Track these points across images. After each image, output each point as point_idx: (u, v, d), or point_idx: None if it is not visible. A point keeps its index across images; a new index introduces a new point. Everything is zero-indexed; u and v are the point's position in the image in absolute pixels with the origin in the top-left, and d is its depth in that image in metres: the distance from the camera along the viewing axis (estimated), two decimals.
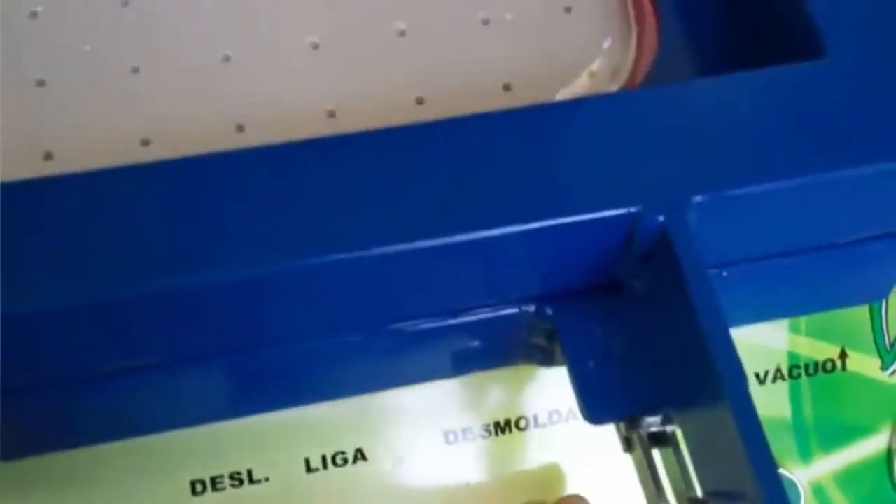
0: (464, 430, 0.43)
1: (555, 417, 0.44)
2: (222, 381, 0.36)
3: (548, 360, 0.39)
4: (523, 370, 0.43)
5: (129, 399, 0.35)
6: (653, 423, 0.37)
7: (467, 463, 0.43)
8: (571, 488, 0.44)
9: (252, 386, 0.37)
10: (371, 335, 0.36)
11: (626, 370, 0.36)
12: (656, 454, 0.38)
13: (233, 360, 0.35)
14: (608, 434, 0.43)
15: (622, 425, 0.38)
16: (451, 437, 0.43)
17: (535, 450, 0.44)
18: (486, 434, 0.43)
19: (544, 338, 0.38)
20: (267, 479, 0.42)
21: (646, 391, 0.35)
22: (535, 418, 0.43)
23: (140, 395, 0.35)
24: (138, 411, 0.36)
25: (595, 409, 0.35)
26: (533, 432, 0.43)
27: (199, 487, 0.41)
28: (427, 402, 0.42)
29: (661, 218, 0.32)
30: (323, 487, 0.42)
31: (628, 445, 0.38)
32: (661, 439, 0.38)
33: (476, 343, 0.38)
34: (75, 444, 0.38)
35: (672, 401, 0.35)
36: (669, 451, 0.37)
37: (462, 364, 0.39)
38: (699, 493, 0.35)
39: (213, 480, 0.41)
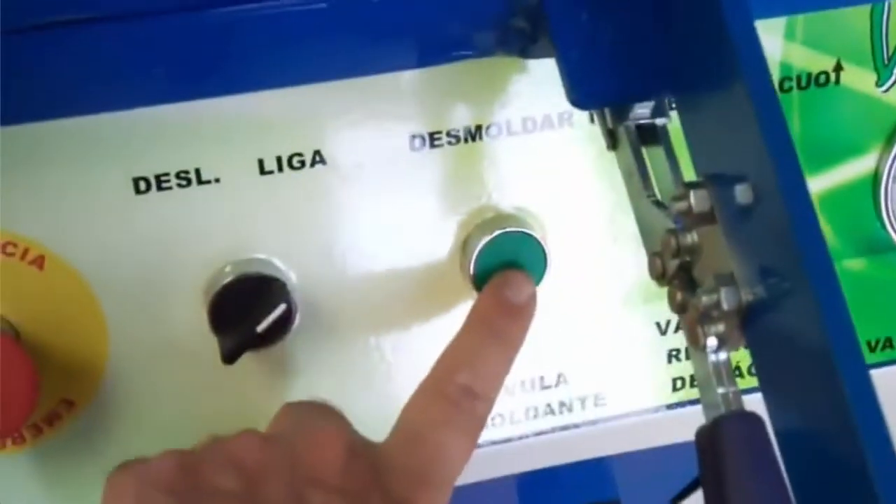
0: (431, 135, 0.40)
1: (529, 125, 0.40)
2: (173, 48, 0.32)
3: (528, 49, 0.35)
4: (498, 73, 0.39)
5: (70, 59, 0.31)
6: (642, 114, 0.35)
7: (432, 170, 0.40)
8: (537, 196, 0.41)
9: (204, 58, 0.33)
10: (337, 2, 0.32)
11: (620, 51, 0.32)
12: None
13: (185, 20, 0.31)
14: (582, 142, 0.40)
15: (608, 116, 0.35)
16: (416, 143, 0.40)
17: (505, 159, 0.41)
18: (453, 140, 0.40)
19: (527, 19, 0.34)
20: (217, 181, 0.39)
21: (640, 75, 0.32)
22: (508, 125, 0.40)
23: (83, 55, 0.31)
24: (81, 78, 0.32)
25: (583, 91, 0.32)
26: (504, 141, 0.40)
27: (142, 185, 0.38)
28: (392, 104, 0.39)
29: None
30: (278, 190, 0.39)
31: (613, 141, 0.35)
32: (649, 134, 0.35)
33: (451, 22, 0.34)
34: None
35: (671, 85, 0.32)
36: (658, 149, 0.35)
37: (433, 50, 0.35)
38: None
39: (158, 179, 0.38)
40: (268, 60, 0.34)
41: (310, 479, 0.33)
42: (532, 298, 0.40)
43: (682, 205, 0.30)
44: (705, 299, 0.30)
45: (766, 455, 0.30)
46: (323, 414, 0.36)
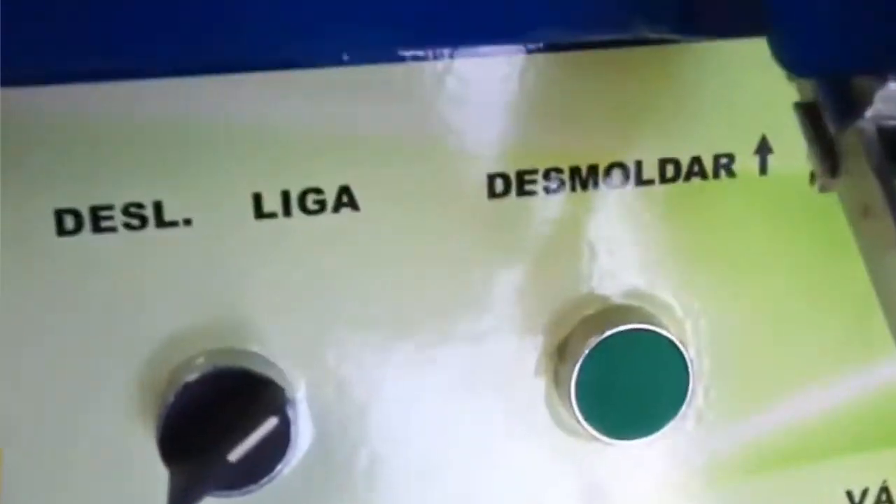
0: (519, 177, 0.27)
1: (669, 171, 0.27)
2: None
3: (688, 20, 0.22)
4: (628, 84, 0.27)
5: None
6: (886, 111, 0.21)
7: (518, 229, 0.27)
8: (674, 277, 0.28)
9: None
10: None
11: None
12: None
13: None
14: (746, 199, 0.28)
15: (831, 115, 0.21)
16: (497, 186, 0.27)
17: (630, 219, 0.27)
18: (552, 186, 0.27)
19: None
20: (188, 223, 0.25)
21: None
22: (638, 169, 0.27)
23: None
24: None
25: (802, 48, 0.19)
26: (629, 192, 0.27)
27: (68, 222, 0.25)
28: (461, 125, 0.26)
29: None
30: (281, 243, 0.26)
31: (832, 164, 0.22)
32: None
33: None
34: None
35: None
36: None
37: (551, 23, 0.22)
38: None
39: (95, 213, 0.25)
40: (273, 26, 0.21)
41: None
42: None
43: None
44: None
45: None
46: None
